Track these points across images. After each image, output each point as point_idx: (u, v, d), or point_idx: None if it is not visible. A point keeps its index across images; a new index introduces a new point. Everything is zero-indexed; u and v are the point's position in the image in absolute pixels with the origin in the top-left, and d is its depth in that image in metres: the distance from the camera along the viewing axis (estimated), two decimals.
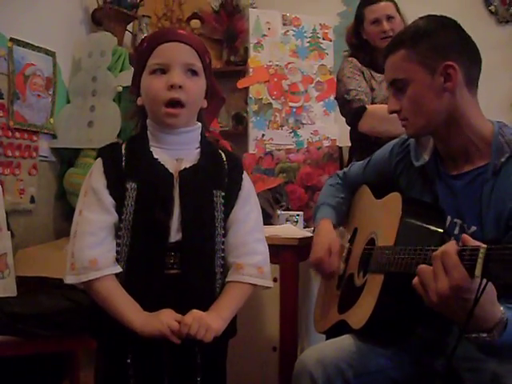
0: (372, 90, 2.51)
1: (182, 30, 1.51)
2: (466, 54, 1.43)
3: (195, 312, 1.33)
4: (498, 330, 1.14)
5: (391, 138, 1.79)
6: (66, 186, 2.97)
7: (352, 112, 2.47)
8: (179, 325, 1.30)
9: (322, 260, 1.73)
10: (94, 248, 1.35)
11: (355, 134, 2.55)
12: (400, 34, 1.52)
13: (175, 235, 1.38)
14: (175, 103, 1.39)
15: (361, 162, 1.88)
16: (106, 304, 1.35)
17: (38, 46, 2.90)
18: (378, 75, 2.52)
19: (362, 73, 2.53)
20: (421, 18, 1.49)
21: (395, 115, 1.52)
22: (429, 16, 1.50)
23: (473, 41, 1.45)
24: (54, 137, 3.02)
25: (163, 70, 1.40)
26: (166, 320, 1.30)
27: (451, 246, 1.12)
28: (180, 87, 1.38)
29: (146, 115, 1.47)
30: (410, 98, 1.46)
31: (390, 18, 2.49)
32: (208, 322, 1.32)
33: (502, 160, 1.39)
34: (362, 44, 2.60)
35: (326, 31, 3.55)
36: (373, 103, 2.49)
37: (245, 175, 1.52)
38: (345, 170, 1.96)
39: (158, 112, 1.40)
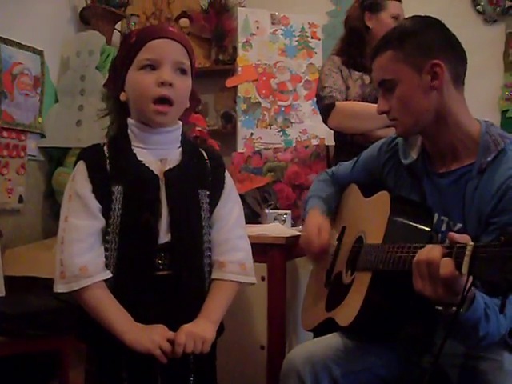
0: (347, 88, 2.52)
1: (172, 27, 1.50)
2: (452, 52, 1.45)
3: (186, 328, 1.32)
4: (466, 305, 1.17)
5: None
6: (54, 186, 2.96)
7: (322, 108, 2.49)
8: (171, 345, 1.29)
9: (311, 238, 1.72)
10: (83, 255, 1.32)
11: (336, 133, 2.57)
12: (386, 35, 1.53)
13: (164, 236, 1.37)
14: (164, 100, 1.37)
15: (349, 161, 1.89)
16: (95, 313, 1.32)
17: (25, 45, 2.90)
18: (356, 73, 2.52)
19: (341, 71, 2.53)
20: (406, 19, 1.51)
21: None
22: (414, 16, 1.52)
23: (457, 39, 1.47)
24: (43, 136, 3.01)
25: (153, 67, 1.37)
26: (157, 340, 1.29)
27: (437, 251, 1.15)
28: (170, 85, 1.36)
29: (127, 113, 1.44)
30: (398, 98, 1.48)
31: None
32: (201, 335, 1.32)
33: (489, 159, 1.41)
34: (361, 30, 2.53)
35: (315, 30, 3.57)
36: (347, 101, 2.50)
37: (227, 173, 1.51)
38: (333, 168, 1.97)
39: (146, 109, 1.37)
